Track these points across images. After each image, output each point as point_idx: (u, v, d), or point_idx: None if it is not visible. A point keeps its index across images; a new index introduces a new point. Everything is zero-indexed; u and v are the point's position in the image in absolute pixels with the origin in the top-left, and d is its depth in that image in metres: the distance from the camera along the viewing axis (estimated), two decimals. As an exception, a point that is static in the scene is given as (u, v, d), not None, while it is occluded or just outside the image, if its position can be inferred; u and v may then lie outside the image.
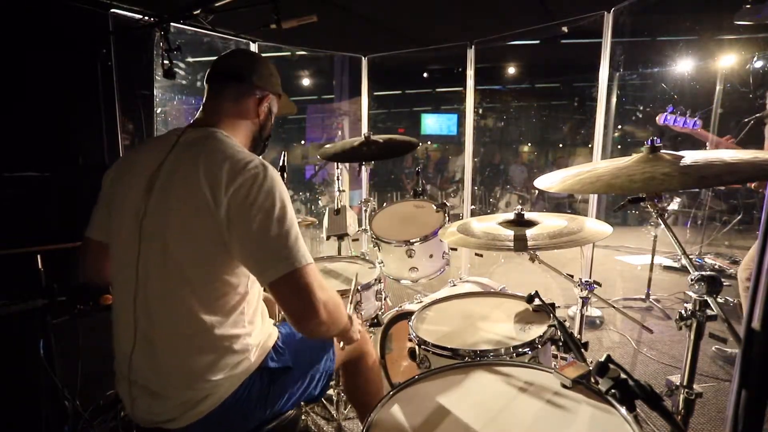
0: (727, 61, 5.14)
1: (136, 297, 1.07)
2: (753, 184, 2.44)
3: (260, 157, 1.13)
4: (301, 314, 1.01)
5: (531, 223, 1.61)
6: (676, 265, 4.62)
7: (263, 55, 1.34)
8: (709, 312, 1.09)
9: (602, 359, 0.74)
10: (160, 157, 1.10)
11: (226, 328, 1.07)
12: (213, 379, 1.06)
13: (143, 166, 1.12)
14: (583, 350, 1.29)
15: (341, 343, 1.37)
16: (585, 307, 1.67)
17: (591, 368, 0.76)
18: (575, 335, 1.41)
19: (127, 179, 1.14)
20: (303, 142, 9.61)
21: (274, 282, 0.99)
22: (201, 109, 1.22)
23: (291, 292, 1.00)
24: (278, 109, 1.36)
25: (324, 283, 1.05)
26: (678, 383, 1.16)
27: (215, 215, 1.00)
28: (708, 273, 1.04)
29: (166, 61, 1.90)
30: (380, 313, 2.12)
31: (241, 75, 1.21)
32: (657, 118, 2.73)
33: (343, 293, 1.91)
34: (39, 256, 1.64)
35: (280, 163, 2.02)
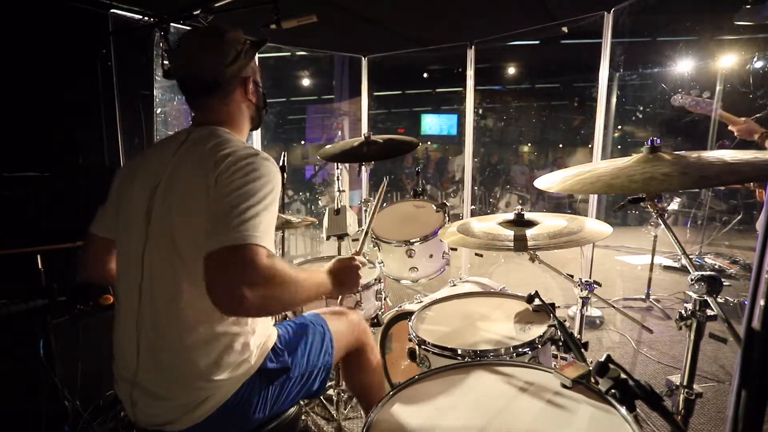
0: (727, 61, 5.14)
1: (140, 298, 1.07)
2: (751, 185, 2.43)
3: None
4: (218, 296, 0.90)
5: (531, 223, 1.61)
6: (676, 265, 4.62)
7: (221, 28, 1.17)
8: (709, 312, 1.09)
9: (602, 359, 0.74)
10: (168, 157, 1.11)
11: (227, 327, 1.07)
12: (214, 380, 1.06)
13: (152, 167, 1.13)
14: (583, 350, 1.29)
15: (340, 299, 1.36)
16: (585, 307, 1.67)
17: (591, 368, 0.76)
18: (575, 335, 1.41)
19: (136, 178, 1.15)
20: (303, 142, 9.62)
21: (208, 255, 0.91)
22: (195, 111, 1.21)
23: (217, 269, 0.90)
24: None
25: (273, 272, 0.93)
26: (678, 383, 1.16)
27: (206, 202, 1.00)
28: (708, 273, 1.04)
29: (165, 62, 1.90)
30: (380, 313, 2.12)
31: (215, 82, 1.15)
32: (672, 100, 2.78)
33: None
34: (39, 256, 1.64)
35: (280, 163, 2.03)
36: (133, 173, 1.17)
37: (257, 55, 1.29)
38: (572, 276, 1.65)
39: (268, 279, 0.93)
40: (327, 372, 1.37)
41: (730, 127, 2.56)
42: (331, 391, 2.14)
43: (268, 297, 0.94)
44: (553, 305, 1.44)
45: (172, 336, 1.06)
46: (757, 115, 3.14)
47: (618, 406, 0.98)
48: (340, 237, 2.59)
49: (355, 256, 1.34)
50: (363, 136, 2.43)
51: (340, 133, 8.11)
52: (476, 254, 3.73)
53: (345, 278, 1.26)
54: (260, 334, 1.17)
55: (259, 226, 0.94)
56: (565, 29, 3.24)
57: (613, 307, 1.75)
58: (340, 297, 1.46)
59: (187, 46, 1.17)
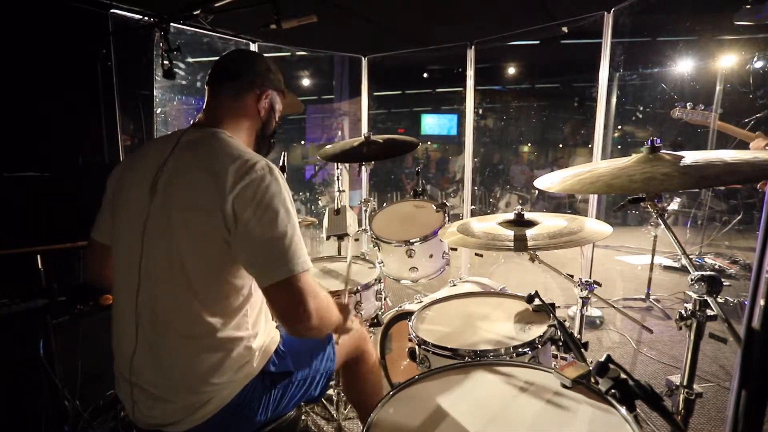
0: (727, 61, 5.14)
1: (137, 298, 1.06)
2: (759, 185, 2.46)
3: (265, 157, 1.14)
4: (291, 320, 1.01)
5: (531, 223, 1.61)
6: (676, 265, 4.62)
7: (264, 54, 1.32)
8: (709, 312, 1.09)
9: (602, 359, 0.74)
10: (162, 158, 1.10)
11: (229, 331, 1.06)
12: (215, 382, 1.06)
13: (146, 167, 1.12)
14: (583, 350, 1.29)
15: (337, 337, 1.37)
16: (585, 307, 1.67)
17: (591, 368, 0.76)
18: (575, 335, 1.41)
19: (130, 180, 1.14)
20: (303, 142, 9.61)
21: (270, 287, 1.00)
22: (202, 110, 1.23)
23: (284, 298, 1.01)
24: (284, 107, 1.35)
25: (317, 290, 1.05)
26: (678, 383, 1.16)
27: (220, 215, 1.00)
28: (708, 273, 1.04)
29: (165, 62, 1.90)
30: (380, 313, 2.12)
31: (237, 73, 1.22)
32: (671, 112, 2.94)
33: (338, 293, 1.91)
34: (39, 256, 1.64)
35: (280, 163, 2.03)
36: (127, 175, 1.17)
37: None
38: (572, 276, 1.65)
39: (319, 295, 1.05)
40: (328, 378, 1.37)
41: (752, 144, 2.67)
42: (331, 392, 2.14)
43: (324, 312, 1.06)
44: (553, 305, 1.44)
45: (172, 340, 1.05)
46: (758, 115, 3.15)
47: (618, 406, 0.98)
48: (340, 237, 2.59)
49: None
50: (363, 136, 2.43)
51: (340, 133, 8.11)
52: (476, 254, 3.73)
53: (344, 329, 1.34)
54: (262, 338, 1.17)
55: (303, 250, 1.04)
56: (565, 29, 3.23)
57: (613, 307, 1.74)
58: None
59: (234, 50, 1.30)
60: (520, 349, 1.32)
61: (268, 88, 1.25)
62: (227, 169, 1.02)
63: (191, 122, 1.23)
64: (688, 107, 2.89)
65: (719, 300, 1.05)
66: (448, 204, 2.30)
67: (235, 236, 1.01)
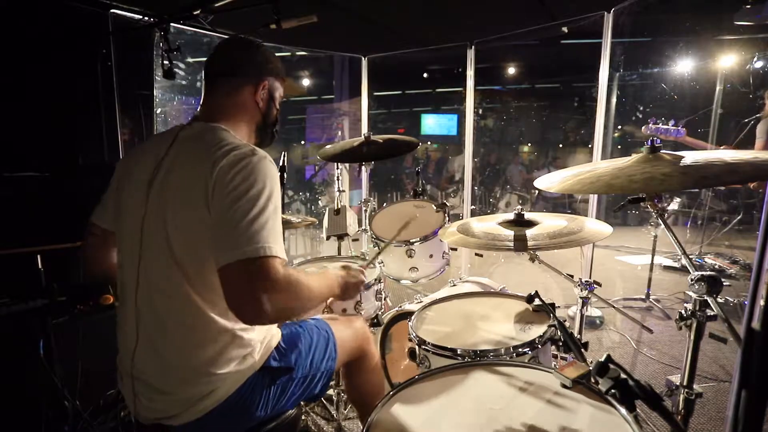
0: (727, 61, 5.14)
1: (137, 292, 1.08)
2: (752, 184, 2.49)
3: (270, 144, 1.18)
4: (239, 308, 0.93)
5: (531, 223, 1.61)
6: (676, 265, 4.62)
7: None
8: (709, 312, 1.09)
9: (602, 359, 0.74)
10: (161, 152, 1.12)
11: (227, 322, 1.07)
12: (216, 373, 1.06)
13: (147, 161, 1.13)
14: (583, 350, 1.29)
15: (331, 301, 1.37)
16: (585, 307, 1.67)
17: (591, 368, 0.76)
18: (575, 335, 1.41)
19: (133, 172, 1.16)
20: (303, 142, 9.61)
21: (223, 267, 0.93)
22: (200, 105, 1.23)
23: (231, 283, 0.93)
24: (284, 91, 1.33)
25: (280, 280, 0.94)
26: (678, 383, 1.16)
27: (204, 201, 1.00)
28: (708, 273, 1.04)
29: (165, 62, 1.90)
30: (380, 313, 2.12)
31: (231, 69, 1.20)
32: (642, 129, 3.03)
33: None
34: (39, 256, 1.64)
35: (280, 163, 2.03)
36: (131, 167, 1.18)
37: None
38: (572, 276, 1.65)
39: (284, 289, 0.95)
40: (329, 377, 1.37)
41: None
42: (331, 391, 2.14)
43: (285, 307, 0.98)
44: (553, 305, 1.44)
45: (173, 332, 1.06)
46: (758, 115, 3.15)
47: (618, 406, 0.98)
48: (340, 237, 2.59)
49: (363, 271, 1.37)
50: (363, 136, 2.43)
51: (340, 133, 8.11)
52: (476, 254, 3.72)
53: (351, 291, 1.31)
54: (263, 331, 1.17)
55: (269, 235, 0.95)
56: (565, 29, 3.24)
57: (613, 307, 1.75)
58: (343, 309, 1.50)
59: (226, 41, 1.26)
60: (520, 349, 1.32)
61: (266, 78, 1.23)
62: (212, 156, 1.02)
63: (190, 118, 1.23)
64: (660, 124, 2.98)
65: (719, 300, 1.05)
66: (448, 204, 2.31)
67: (212, 217, 0.99)
